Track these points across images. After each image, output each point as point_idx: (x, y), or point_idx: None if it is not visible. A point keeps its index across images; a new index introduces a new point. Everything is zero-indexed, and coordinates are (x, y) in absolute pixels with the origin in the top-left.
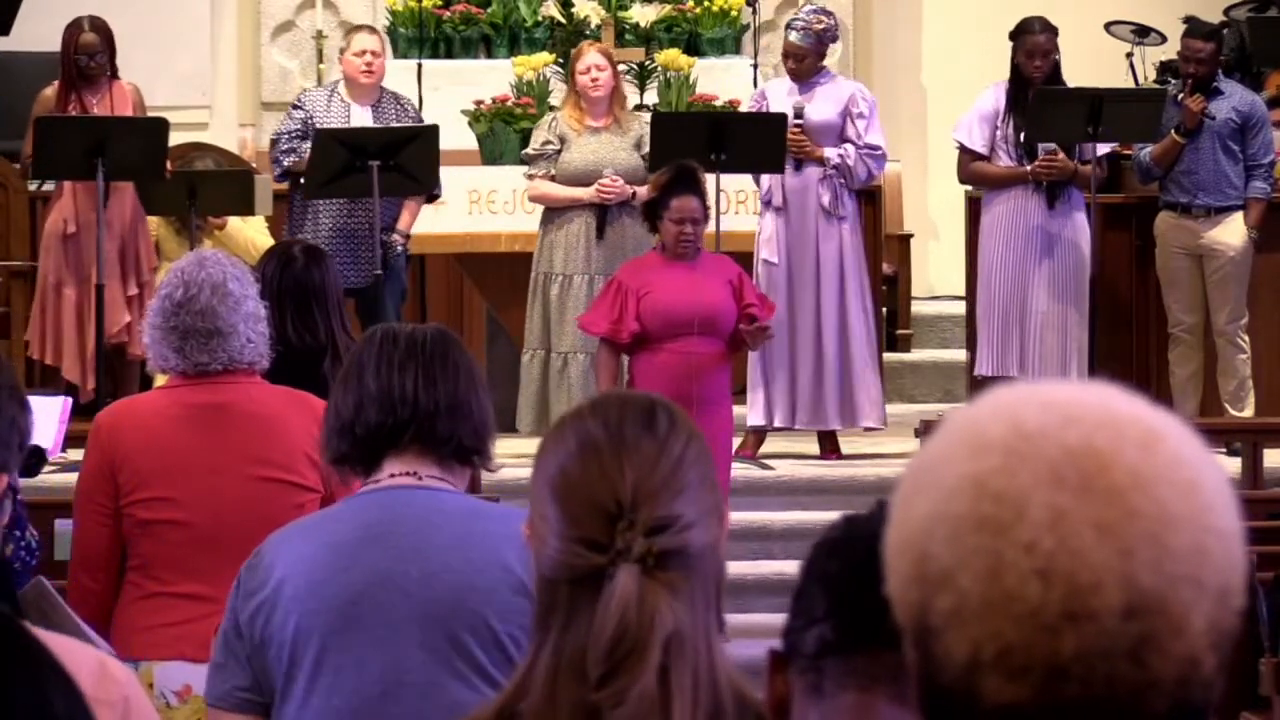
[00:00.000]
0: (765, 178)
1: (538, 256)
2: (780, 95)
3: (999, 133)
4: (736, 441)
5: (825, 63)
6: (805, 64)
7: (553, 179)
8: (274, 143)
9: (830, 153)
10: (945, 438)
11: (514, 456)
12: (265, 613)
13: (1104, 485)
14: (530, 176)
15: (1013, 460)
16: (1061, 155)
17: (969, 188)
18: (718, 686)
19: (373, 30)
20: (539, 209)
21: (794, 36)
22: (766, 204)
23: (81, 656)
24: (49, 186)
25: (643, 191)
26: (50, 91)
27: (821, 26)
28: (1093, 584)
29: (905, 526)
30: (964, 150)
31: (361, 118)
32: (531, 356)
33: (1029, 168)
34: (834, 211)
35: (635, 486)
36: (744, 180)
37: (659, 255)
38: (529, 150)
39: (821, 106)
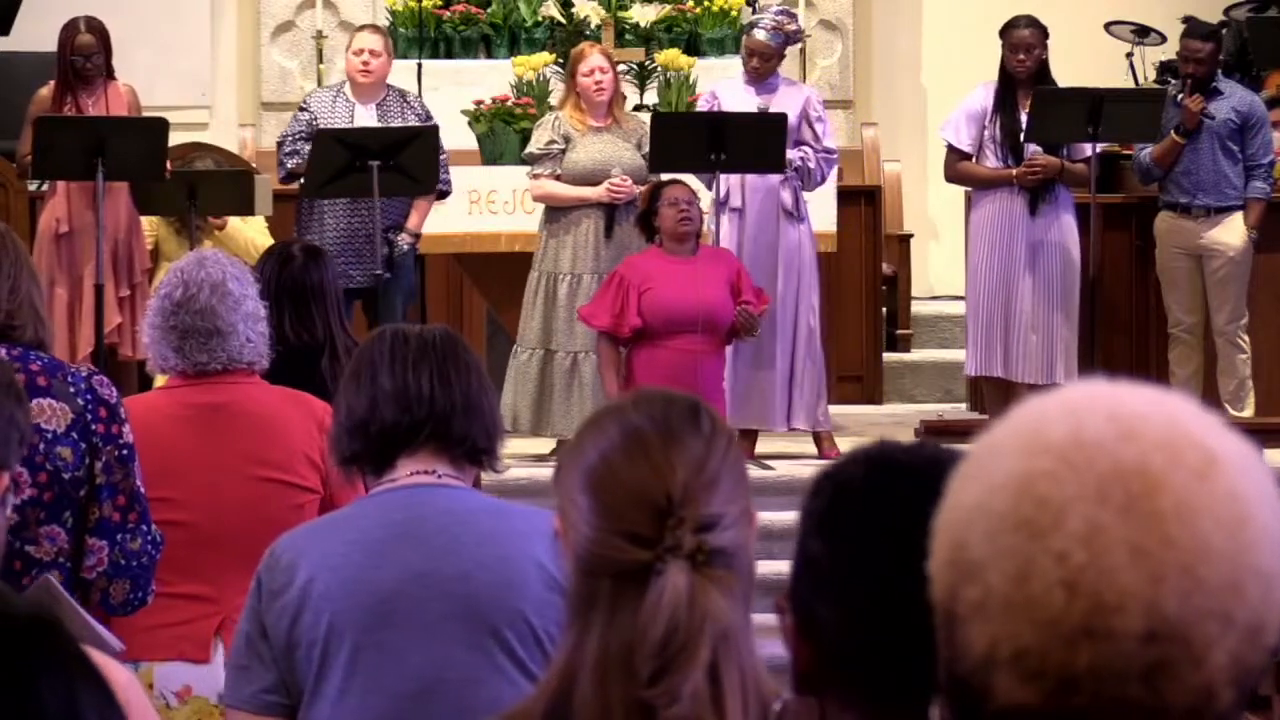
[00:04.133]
0: (722, 179)
1: (540, 256)
2: (733, 96)
3: (986, 132)
4: None
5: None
6: (770, 64)
7: (558, 178)
8: (280, 145)
9: (792, 154)
10: (1008, 429)
11: (510, 456)
12: (292, 613)
13: (1147, 509)
14: (535, 176)
15: (1063, 467)
16: (1044, 158)
17: (966, 187)
18: (762, 684)
19: (375, 30)
20: (539, 209)
21: (763, 36)
22: (721, 205)
23: None
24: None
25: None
26: (46, 91)
27: (792, 28)
28: (1117, 604)
29: (952, 510)
30: (950, 148)
31: (365, 117)
32: (530, 355)
33: (1014, 172)
34: (795, 213)
35: (685, 482)
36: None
37: (659, 250)
38: (533, 150)
39: (781, 109)
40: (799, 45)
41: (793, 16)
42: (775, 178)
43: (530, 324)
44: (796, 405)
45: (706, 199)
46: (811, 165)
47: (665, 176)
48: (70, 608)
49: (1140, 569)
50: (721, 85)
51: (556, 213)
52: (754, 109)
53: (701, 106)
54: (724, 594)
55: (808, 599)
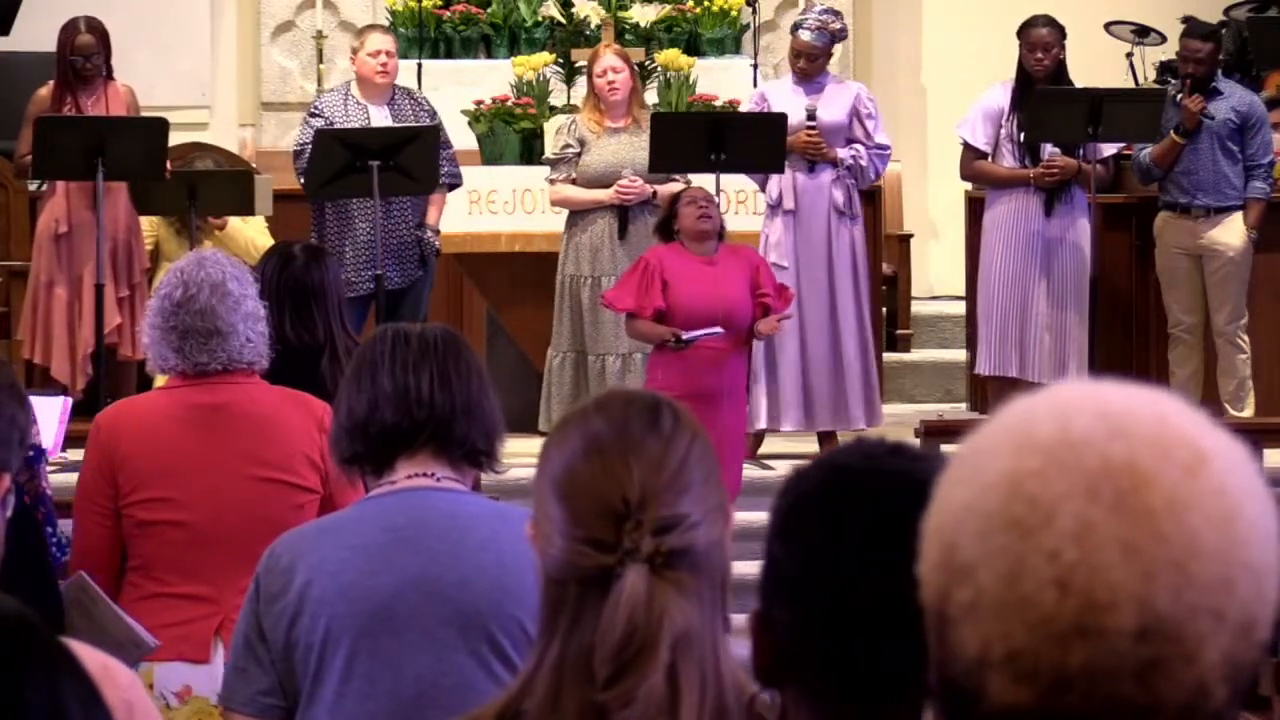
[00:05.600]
0: (774, 181)
1: (563, 259)
2: (781, 96)
3: (1003, 131)
4: None
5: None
6: (816, 64)
7: (574, 182)
8: (298, 154)
9: (844, 153)
10: (997, 429)
11: (532, 457)
12: (290, 616)
13: (1137, 505)
14: (552, 181)
15: (1052, 466)
16: (1061, 159)
17: (969, 187)
18: (723, 686)
19: (386, 30)
20: (539, 209)
21: (808, 36)
22: (774, 207)
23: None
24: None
25: (663, 190)
26: (45, 91)
27: (837, 26)
28: (1109, 602)
29: (942, 512)
30: (967, 147)
31: (380, 118)
32: (563, 359)
33: (1031, 172)
34: (847, 212)
35: (642, 485)
36: (743, 180)
37: (682, 246)
38: (549, 155)
39: (831, 108)
40: (842, 42)
41: (837, 15)
42: (827, 177)
43: (560, 328)
44: (876, 404)
45: (759, 201)
46: (864, 163)
47: (682, 182)
48: (105, 604)
49: (1131, 566)
50: (770, 86)
51: (575, 216)
52: (801, 110)
53: (750, 107)
54: (684, 596)
55: (767, 598)
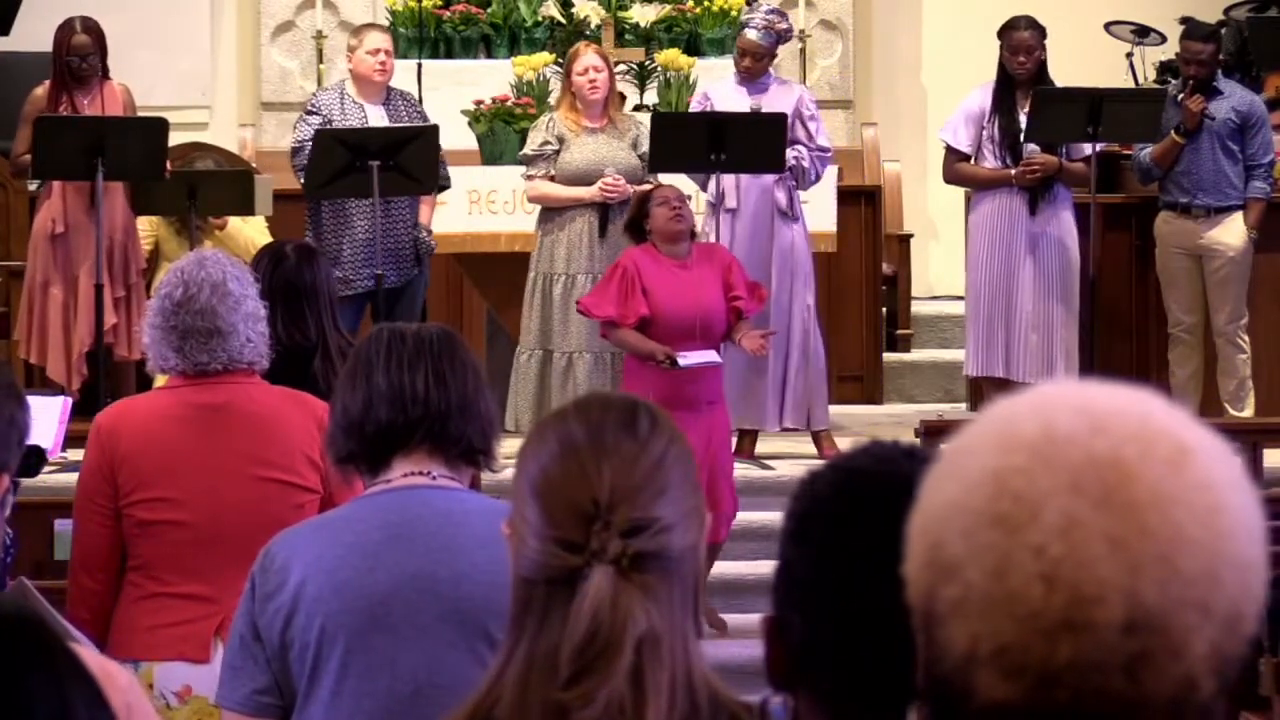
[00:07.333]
0: (714, 180)
1: (537, 256)
2: (725, 97)
3: (984, 132)
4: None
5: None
6: (761, 64)
7: (552, 179)
8: (296, 151)
9: (787, 155)
10: (980, 428)
11: (509, 457)
12: (285, 615)
13: (1122, 499)
14: (529, 177)
15: (1036, 462)
16: (1041, 157)
17: (965, 188)
18: (694, 689)
19: (384, 29)
20: (538, 209)
21: (754, 35)
22: (714, 206)
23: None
24: None
25: (636, 189)
26: (41, 91)
27: (783, 27)
28: (1096, 596)
29: (927, 511)
30: (949, 150)
31: (377, 117)
32: (529, 356)
33: (1012, 172)
34: (789, 213)
35: (613, 487)
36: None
37: (654, 248)
38: (527, 151)
39: (773, 109)
40: (797, 44)
41: (783, 15)
42: (769, 178)
43: (529, 325)
44: (788, 405)
45: (702, 200)
46: (805, 164)
47: (653, 182)
48: (48, 612)
49: (1117, 560)
50: (714, 87)
51: (551, 213)
52: (746, 110)
53: (694, 108)
54: (650, 598)
55: (781, 601)
